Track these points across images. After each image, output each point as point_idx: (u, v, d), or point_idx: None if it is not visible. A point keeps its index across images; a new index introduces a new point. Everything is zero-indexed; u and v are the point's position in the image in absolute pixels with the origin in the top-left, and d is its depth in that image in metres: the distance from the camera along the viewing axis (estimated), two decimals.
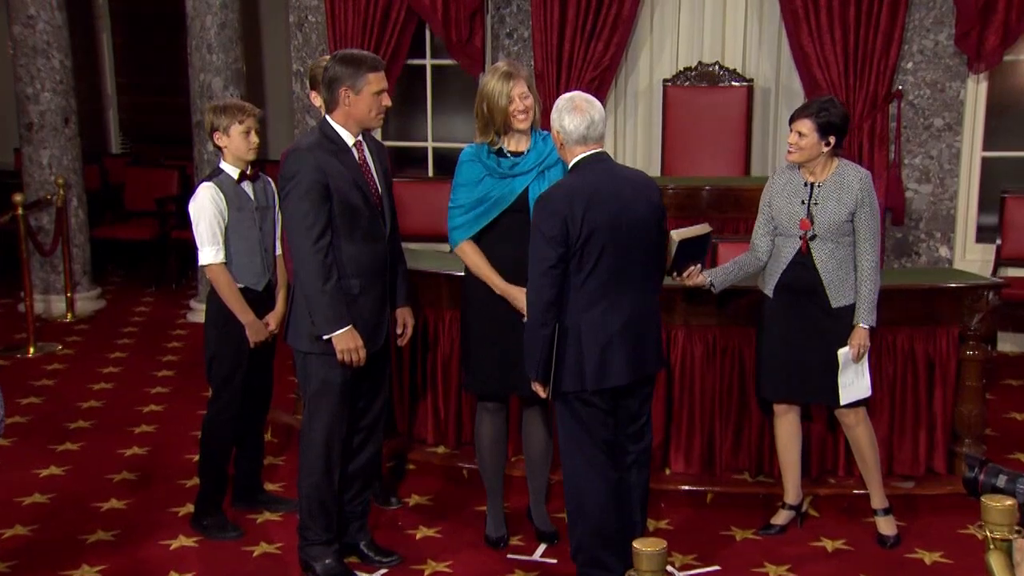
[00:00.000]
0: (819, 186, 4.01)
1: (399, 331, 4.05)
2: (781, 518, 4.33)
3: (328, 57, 4.01)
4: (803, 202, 4.02)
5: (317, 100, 4.30)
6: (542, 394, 3.57)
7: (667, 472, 4.70)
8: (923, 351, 4.53)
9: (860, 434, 4.18)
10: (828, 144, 3.97)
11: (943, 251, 6.80)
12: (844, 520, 4.41)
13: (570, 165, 3.58)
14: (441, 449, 4.99)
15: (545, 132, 3.94)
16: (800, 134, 3.98)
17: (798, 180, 4.07)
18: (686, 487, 4.59)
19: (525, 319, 3.60)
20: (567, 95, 3.61)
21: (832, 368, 4.03)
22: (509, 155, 3.95)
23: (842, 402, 4.08)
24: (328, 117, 3.78)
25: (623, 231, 3.50)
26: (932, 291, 4.56)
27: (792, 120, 4.03)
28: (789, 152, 4.03)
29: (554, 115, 3.56)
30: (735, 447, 4.66)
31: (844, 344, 4.01)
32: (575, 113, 3.52)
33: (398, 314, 4.03)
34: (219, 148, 4.14)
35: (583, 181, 3.51)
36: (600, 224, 3.44)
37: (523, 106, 3.88)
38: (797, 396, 4.20)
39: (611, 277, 3.50)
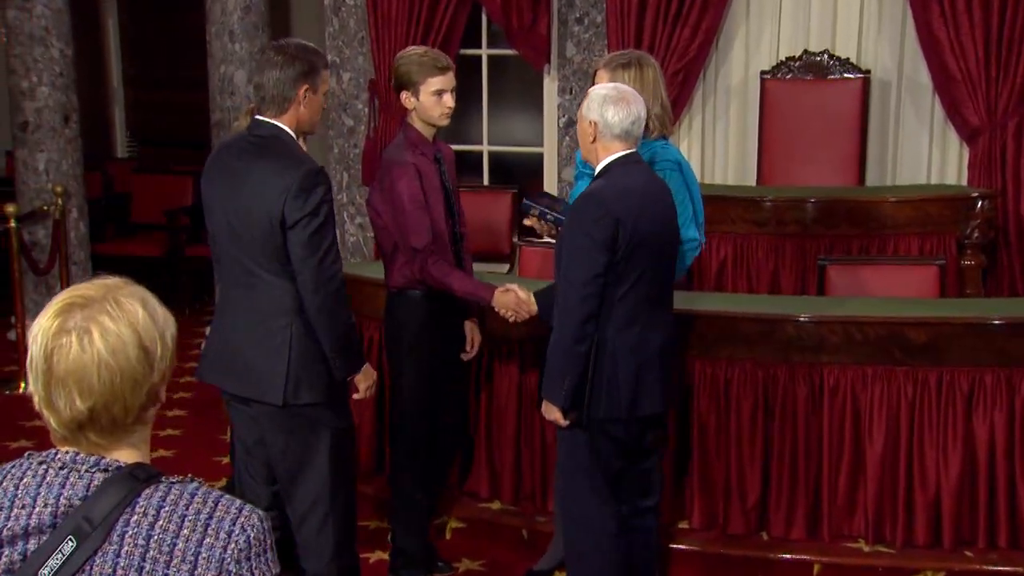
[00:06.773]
0: None
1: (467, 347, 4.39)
2: None
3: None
4: None
5: (411, 103, 4.22)
6: (562, 422, 3.63)
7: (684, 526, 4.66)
8: None
9: None
10: None
11: None
12: None
13: (604, 163, 3.68)
14: (496, 505, 4.99)
15: (663, 140, 4.16)
16: None
17: None
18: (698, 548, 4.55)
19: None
20: (607, 84, 3.81)
21: None
22: None
23: None
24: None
25: (663, 242, 3.66)
26: None
27: None
28: None
29: (591, 104, 3.68)
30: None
31: None
32: (620, 104, 3.65)
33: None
34: None
35: (631, 182, 3.63)
36: (646, 232, 3.57)
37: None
38: None
39: (650, 293, 3.63)
